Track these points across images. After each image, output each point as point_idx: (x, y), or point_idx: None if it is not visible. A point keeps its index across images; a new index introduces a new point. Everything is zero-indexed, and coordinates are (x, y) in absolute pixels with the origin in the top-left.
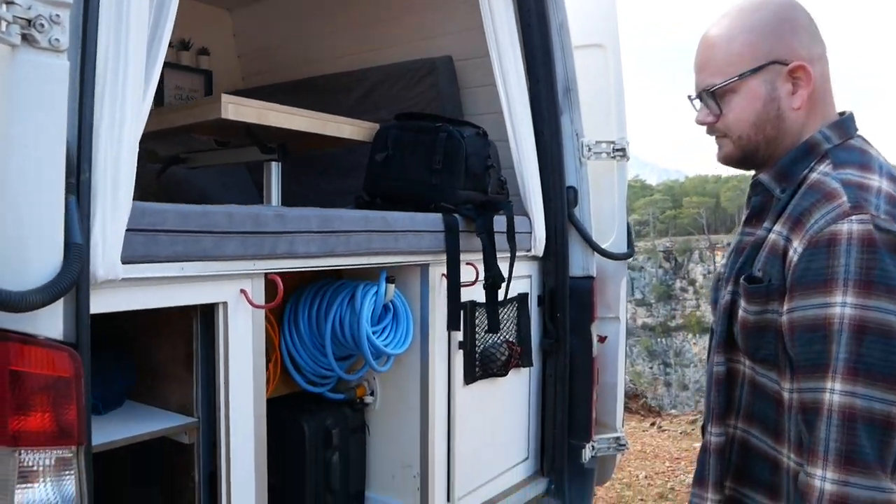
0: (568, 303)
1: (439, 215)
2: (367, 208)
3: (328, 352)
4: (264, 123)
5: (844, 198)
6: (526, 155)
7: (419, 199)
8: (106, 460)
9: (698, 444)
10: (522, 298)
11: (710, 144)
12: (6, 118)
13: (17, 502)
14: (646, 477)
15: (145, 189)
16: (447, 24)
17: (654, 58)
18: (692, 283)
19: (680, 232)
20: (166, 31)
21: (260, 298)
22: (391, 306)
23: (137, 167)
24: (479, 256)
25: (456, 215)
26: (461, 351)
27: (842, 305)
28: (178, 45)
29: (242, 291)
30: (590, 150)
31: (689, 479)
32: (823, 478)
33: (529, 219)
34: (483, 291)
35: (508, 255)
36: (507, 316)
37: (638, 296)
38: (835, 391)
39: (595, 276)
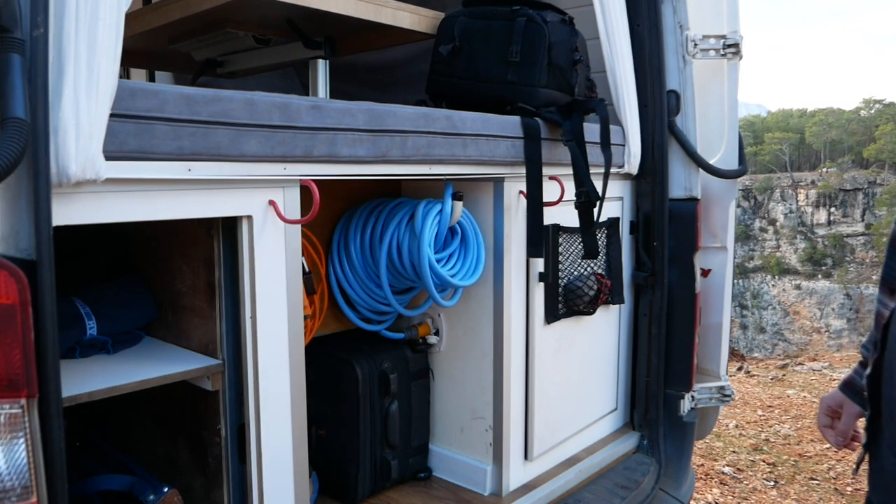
0: (666, 229)
1: (517, 118)
2: None
3: (384, 283)
4: (305, 4)
5: None
6: (618, 52)
7: (492, 100)
8: (128, 408)
9: (791, 392)
10: (613, 224)
11: (795, 76)
12: None
13: None
14: (736, 426)
15: None
16: None
17: None
18: (772, 222)
19: (761, 169)
20: None
21: (294, 212)
22: (458, 229)
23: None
24: (565, 170)
25: (537, 119)
26: (542, 284)
27: None
28: None
29: (271, 203)
30: (695, 46)
31: (784, 429)
32: None
33: (623, 129)
34: (568, 212)
35: (601, 168)
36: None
37: None
38: None
39: (699, 197)
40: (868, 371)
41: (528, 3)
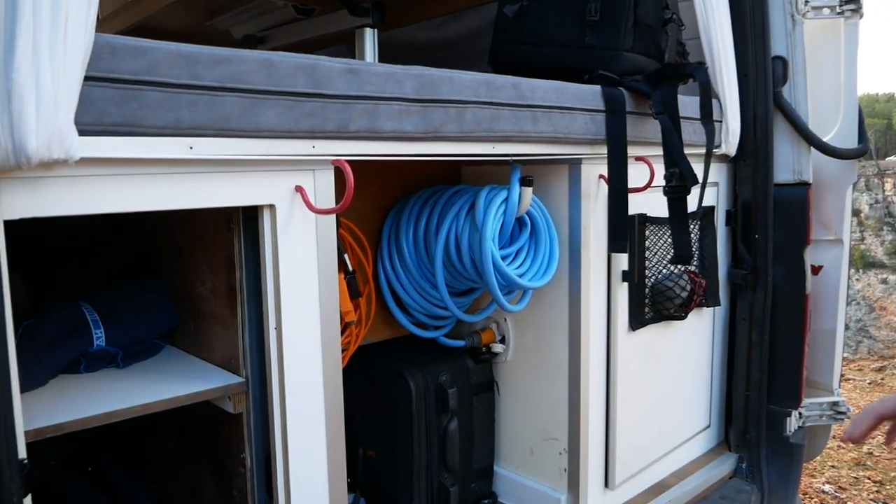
0: (771, 220)
1: (597, 88)
2: None
3: (440, 283)
4: None
5: None
6: (714, 11)
7: (568, 68)
8: (150, 427)
9: None
10: (707, 214)
11: (882, 59)
12: None
13: None
14: (833, 437)
15: None
16: None
17: None
18: (856, 213)
19: None
20: None
21: (328, 200)
22: (527, 220)
23: None
24: (654, 150)
25: (621, 88)
26: (625, 284)
27: None
28: None
29: (298, 189)
30: (806, 3)
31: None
32: None
33: (720, 103)
34: (657, 200)
35: (695, 149)
36: None
37: None
38: None
39: (811, 181)
40: None
41: None
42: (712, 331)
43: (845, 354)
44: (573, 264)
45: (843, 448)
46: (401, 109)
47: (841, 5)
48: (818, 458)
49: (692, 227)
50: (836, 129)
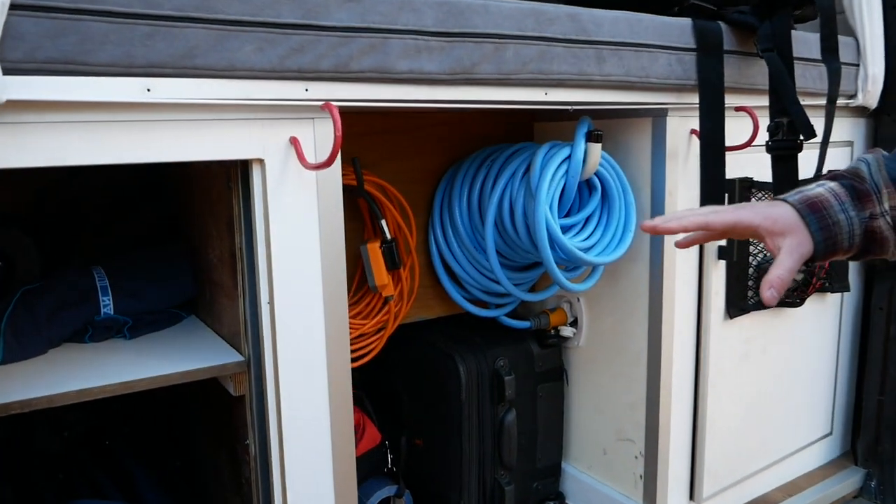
0: None
1: (685, 21)
2: None
3: (490, 255)
4: None
5: None
6: None
7: None
8: (173, 405)
9: None
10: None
11: None
12: None
13: None
14: None
15: None
16: None
17: None
18: None
19: None
20: None
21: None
22: (597, 183)
23: None
24: (760, 99)
25: (719, 21)
26: (722, 262)
27: None
28: None
29: (293, 140)
30: None
31: None
32: None
33: (856, 42)
34: (764, 160)
35: (816, 99)
36: None
37: None
38: None
39: None
40: None
41: None
42: (839, 322)
43: None
44: (656, 238)
45: None
46: (419, 45)
47: None
48: None
49: None
50: None
